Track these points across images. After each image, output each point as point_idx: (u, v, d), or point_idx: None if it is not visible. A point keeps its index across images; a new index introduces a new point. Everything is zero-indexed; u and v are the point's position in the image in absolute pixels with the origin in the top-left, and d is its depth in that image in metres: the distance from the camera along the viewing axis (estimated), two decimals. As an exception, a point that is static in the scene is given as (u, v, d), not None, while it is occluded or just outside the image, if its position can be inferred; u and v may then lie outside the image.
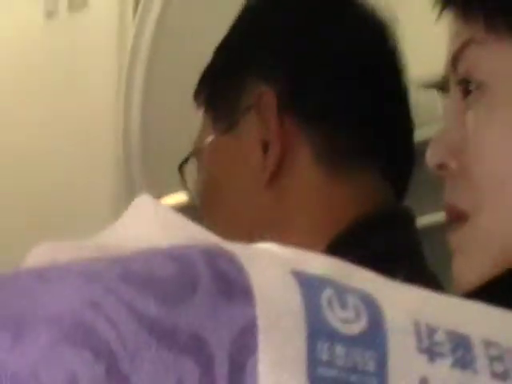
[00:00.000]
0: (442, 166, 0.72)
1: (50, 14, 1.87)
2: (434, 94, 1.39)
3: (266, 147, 1.01)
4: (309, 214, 1.02)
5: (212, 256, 0.45)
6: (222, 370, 0.41)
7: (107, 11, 1.83)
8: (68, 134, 1.81)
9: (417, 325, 0.45)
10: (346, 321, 0.44)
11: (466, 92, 0.71)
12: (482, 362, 0.45)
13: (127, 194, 1.69)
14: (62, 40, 1.83)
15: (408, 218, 1.09)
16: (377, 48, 1.10)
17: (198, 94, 1.10)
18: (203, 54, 1.06)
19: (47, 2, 1.86)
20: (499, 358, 0.45)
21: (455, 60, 0.72)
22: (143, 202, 0.48)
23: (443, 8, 0.74)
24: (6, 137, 1.80)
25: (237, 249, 0.45)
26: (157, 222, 0.48)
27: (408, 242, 1.08)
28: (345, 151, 1.03)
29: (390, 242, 1.04)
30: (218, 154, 1.06)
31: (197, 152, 1.08)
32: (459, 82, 0.72)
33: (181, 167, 1.09)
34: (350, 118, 1.05)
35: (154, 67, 1.76)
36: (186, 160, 1.09)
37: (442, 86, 0.82)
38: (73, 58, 1.79)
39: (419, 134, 1.06)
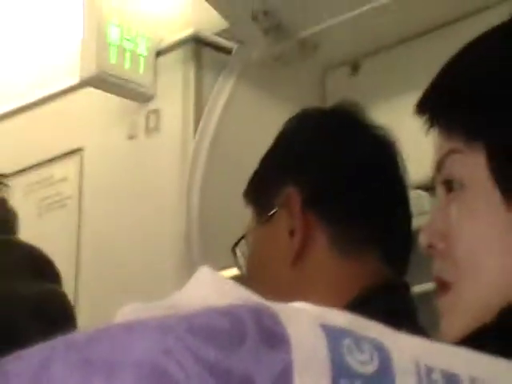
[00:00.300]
0: (430, 247, 0.86)
1: (131, 137, 2.34)
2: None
3: (292, 234, 1.22)
4: (325, 285, 1.22)
5: (257, 312, 0.51)
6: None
7: (174, 133, 2.32)
8: (142, 222, 2.29)
9: (417, 366, 0.51)
10: (363, 363, 0.50)
11: (449, 189, 0.85)
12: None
13: (189, 268, 2.11)
14: (141, 156, 2.34)
15: (405, 287, 1.30)
16: (385, 161, 1.32)
17: (246, 194, 1.33)
18: (253, 160, 1.31)
19: (129, 127, 2.33)
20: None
21: (439, 166, 0.86)
22: (203, 272, 0.55)
23: (430, 127, 0.89)
24: (100, 227, 2.29)
25: (277, 307, 0.51)
26: (213, 287, 0.54)
27: (404, 305, 1.29)
28: (354, 240, 1.24)
29: (390, 304, 1.24)
30: (259, 240, 1.29)
31: (245, 237, 1.30)
32: (443, 182, 0.86)
33: (234, 247, 1.33)
34: (360, 216, 1.26)
35: (211, 170, 2.28)
36: (237, 242, 1.32)
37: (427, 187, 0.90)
38: (148, 169, 2.33)
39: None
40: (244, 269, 1.33)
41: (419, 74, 1.83)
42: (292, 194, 1.27)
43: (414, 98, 0.90)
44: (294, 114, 1.38)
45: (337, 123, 1.38)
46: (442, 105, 0.94)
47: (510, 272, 0.89)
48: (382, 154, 1.35)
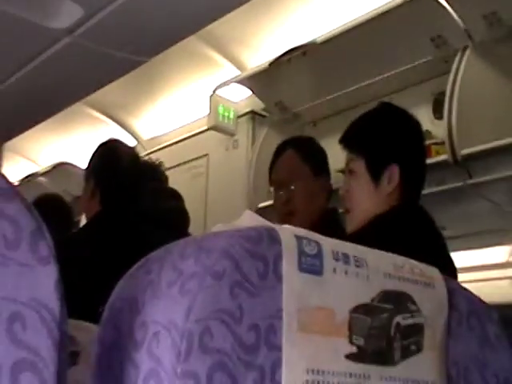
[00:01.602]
0: (343, 198, 1.51)
1: (227, 149, 3.55)
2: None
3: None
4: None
5: (267, 228, 0.73)
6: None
7: (243, 150, 3.47)
8: (229, 190, 3.47)
9: (333, 252, 0.75)
10: (310, 250, 0.74)
11: (350, 174, 1.48)
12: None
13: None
14: (230, 158, 3.53)
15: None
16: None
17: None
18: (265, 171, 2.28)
19: (226, 146, 3.57)
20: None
21: (347, 164, 1.49)
22: (248, 212, 0.79)
23: (344, 148, 1.57)
24: (214, 189, 3.62)
25: (277, 226, 0.73)
26: (251, 219, 0.78)
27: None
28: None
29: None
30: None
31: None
32: (348, 171, 1.51)
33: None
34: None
35: (257, 166, 3.27)
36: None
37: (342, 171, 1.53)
38: (232, 162, 3.51)
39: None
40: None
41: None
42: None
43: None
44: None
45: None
46: (346, 140, 1.58)
47: (370, 209, 1.48)
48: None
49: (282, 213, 2.08)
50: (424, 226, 1.48)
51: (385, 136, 1.56)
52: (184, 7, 2.15)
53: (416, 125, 1.62)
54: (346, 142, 1.60)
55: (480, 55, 2.55)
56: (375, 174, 1.53)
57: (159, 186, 2.60)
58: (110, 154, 2.29)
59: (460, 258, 2.33)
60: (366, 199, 1.52)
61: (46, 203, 2.88)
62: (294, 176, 2.08)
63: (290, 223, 0.78)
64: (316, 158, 2.10)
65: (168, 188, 2.62)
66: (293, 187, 2.06)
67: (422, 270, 0.84)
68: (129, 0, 2.06)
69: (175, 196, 2.52)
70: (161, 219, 2.30)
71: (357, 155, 1.56)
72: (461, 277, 1.50)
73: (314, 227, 1.62)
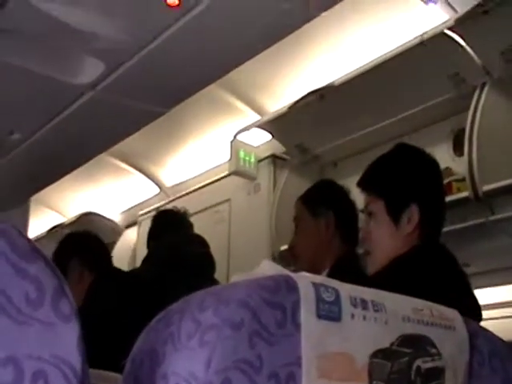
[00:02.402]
0: (363, 240, 1.54)
1: (249, 194, 3.53)
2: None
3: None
4: None
5: (285, 277, 0.75)
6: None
7: (265, 194, 3.44)
8: (253, 237, 3.40)
9: (351, 297, 0.75)
10: (328, 296, 0.75)
11: (369, 216, 1.50)
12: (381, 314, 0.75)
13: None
14: (252, 202, 3.51)
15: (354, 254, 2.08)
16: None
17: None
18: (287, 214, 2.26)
19: (248, 191, 3.55)
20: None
21: (366, 206, 1.52)
22: (266, 262, 0.80)
23: (362, 191, 1.59)
24: (236, 235, 3.55)
25: (294, 275, 0.75)
26: (269, 267, 0.79)
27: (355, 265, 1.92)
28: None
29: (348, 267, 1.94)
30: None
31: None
32: (367, 213, 1.53)
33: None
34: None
35: (279, 210, 3.28)
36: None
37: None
38: (255, 207, 3.47)
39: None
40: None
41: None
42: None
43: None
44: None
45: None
46: (364, 182, 1.59)
47: (390, 250, 1.48)
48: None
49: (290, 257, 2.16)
50: (445, 266, 1.46)
51: (402, 176, 1.57)
52: (203, 57, 2.19)
53: (432, 163, 1.61)
54: (364, 184, 1.62)
55: (498, 91, 2.55)
56: (395, 215, 1.53)
57: (186, 233, 2.64)
58: None
59: (485, 295, 2.32)
60: (386, 240, 1.52)
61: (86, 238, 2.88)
62: (297, 220, 2.17)
63: (295, 266, 0.81)
64: (316, 198, 2.15)
65: (194, 235, 2.65)
66: (296, 231, 2.15)
67: (442, 313, 0.85)
68: (149, 53, 2.11)
69: (202, 243, 2.55)
70: (189, 266, 2.32)
71: (375, 197, 1.57)
72: (486, 314, 1.49)
73: (332, 270, 1.66)
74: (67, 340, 0.56)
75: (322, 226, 2.08)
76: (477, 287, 1.63)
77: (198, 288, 0.74)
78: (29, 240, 0.60)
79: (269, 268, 0.78)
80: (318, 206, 2.12)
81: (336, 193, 2.20)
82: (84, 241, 2.75)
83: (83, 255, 2.66)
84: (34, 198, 3.51)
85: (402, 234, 1.48)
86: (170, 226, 2.66)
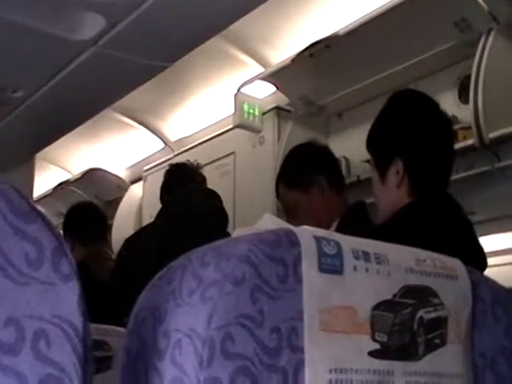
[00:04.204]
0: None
1: (253, 146, 3.54)
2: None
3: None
4: None
5: (286, 230, 0.73)
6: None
7: (269, 146, 3.43)
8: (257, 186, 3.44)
9: (353, 250, 0.75)
10: (330, 250, 0.74)
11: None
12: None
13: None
14: (256, 154, 3.53)
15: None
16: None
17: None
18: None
19: (252, 143, 3.54)
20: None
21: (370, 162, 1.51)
22: (267, 216, 0.80)
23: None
24: (241, 186, 3.60)
25: (295, 228, 0.74)
26: (271, 221, 0.79)
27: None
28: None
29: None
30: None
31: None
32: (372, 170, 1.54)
33: None
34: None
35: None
36: None
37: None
38: (259, 159, 3.48)
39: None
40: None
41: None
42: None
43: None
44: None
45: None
46: (367, 143, 1.57)
47: (387, 205, 1.48)
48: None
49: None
50: (450, 216, 1.44)
51: (384, 131, 1.52)
52: (205, 9, 2.15)
53: (427, 111, 1.53)
54: (366, 145, 1.62)
55: (505, 37, 2.51)
56: (381, 171, 1.48)
57: (199, 187, 2.64)
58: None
59: (490, 242, 2.32)
60: (382, 196, 1.51)
61: (80, 211, 2.95)
62: (291, 205, 2.08)
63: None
64: (299, 174, 2.06)
65: (208, 189, 2.65)
66: (294, 216, 2.06)
67: (445, 263, 0.84)
68: (149, 7, 2.07)
69: (215, 196, 2.55)
70: (203, 220, 2.33)
71: (371, 155, 1.57)
72: (491, 260, 1.48)
73: (341, 221, 1.62)
74: (68, 299, 0.56)
75: (317, 195, 2.01)
76: (482, 235, 1.62)
77: (211, 242, 0.74)
78: (27, 200, 0.60)
79: (270, 222, 0.78)
80: (306, 181, 2.03)
81: (313, 156, 2.12)
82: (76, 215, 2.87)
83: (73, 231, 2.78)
84: (39, 155, 3.51)
85: (391, 190, 1.45)
86: (183, 180, 2.66)
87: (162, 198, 2.69)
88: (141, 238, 2.44)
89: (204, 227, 2.26)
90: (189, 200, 2.44)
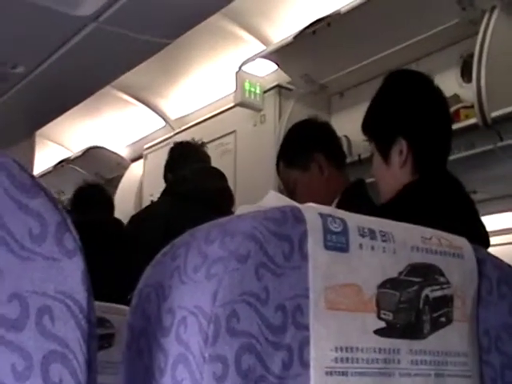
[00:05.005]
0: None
1: (255, 125, 3.49)
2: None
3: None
4: None
5: (292, 208, 0.72)
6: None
7: (270, 125, 3.40)
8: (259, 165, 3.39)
9: (359, 227, 0.74)
10: (335, 227, 0.73)
11: (372, 154, 1.54)
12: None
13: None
14: (258, 132, 3.48)
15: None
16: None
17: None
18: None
19: (254, 122, 3.51)
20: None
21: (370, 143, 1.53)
22: (272, 193, 0.78)
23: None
24: (242, 165, 3.58)
25: (300, 205, 0.73)
26: (276, 199, 0.77)
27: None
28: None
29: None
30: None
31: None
32: (371, 151, 1.54)
33: None
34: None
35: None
36: None
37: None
38: (260, 137, 3.45)
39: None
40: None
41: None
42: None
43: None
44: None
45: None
46: (362, 127, 1.57)
47: (389, 182, 1.47)
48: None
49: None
50: (452, 194, 1.43)
51: (386, 112, 1.50)
52: (206, -15, 2.14)
53: (425, 89, 1.52)
54: (362, 129, 1.59)
55: (508, 15, 2.49)
56: (384, 153, 1.46)
57: (204, 166, 2.63)
58: None
59: (492, 221, 2.31)
60: (384, 179, 1.49)
61: (86, 193, 2.94)
62: (292, 184, 2.07)
63: None
64: (297, 153, 2.05)
65: (213, 168, 2.64)
66: (295, 194, 2.06)
67: (450, 241, 0.83)
68: (150, -17, 2.06)
69: (220, 176, 2.54)
70: (207, 199, 2.32)
71: (369, 138, 1.54)
72: (494, 240, 1.47)
73: (341, 199, 1.61)
74: (72, 275, 0.55)
75: (316, 172, 2.01)
76: (484, 214, 1.61)
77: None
78: (30, 174, 0.59)
79: (275, 199, 0.77)
80: (304, 158, 2.02)
81: (311, 134, 2.11)
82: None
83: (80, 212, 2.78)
84: (39, 133, 3.50)
85: (395, 170, 1.44)
86: (188, 159, 2.66)
87: (165, 177, 2.68)
88: (146, 216, 2.44)
89: (210, 206, 2.26)
90: (196, 179, 2.44)
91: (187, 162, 2.60)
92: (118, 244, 2.43)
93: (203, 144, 2.82)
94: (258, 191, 2.72)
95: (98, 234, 2.39)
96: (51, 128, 3.91)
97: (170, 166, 2.69)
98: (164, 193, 2.52)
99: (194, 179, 2.44)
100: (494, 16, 2.46)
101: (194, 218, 0.84)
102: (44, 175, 4.72)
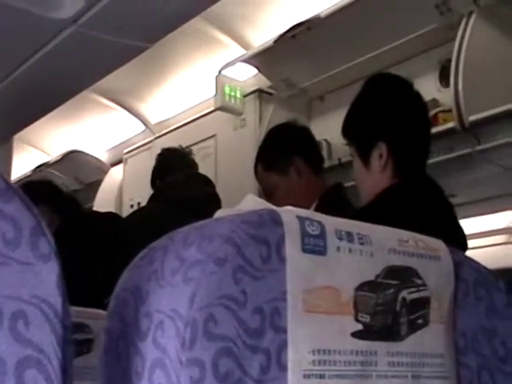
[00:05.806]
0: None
1: (235, 129, 3.49)
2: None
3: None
4: None
5: (270, 211, 0.72)
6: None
7: (251, 129, 3.38)
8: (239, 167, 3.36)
9: (336, 230, 0.74)
10: (313, 230, 0.73)
11: (352, 157, 1.53)
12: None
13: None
14: (237, 136, 3.48)
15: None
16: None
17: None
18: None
19: (234, 126, 3.49)
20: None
21: (349, 146, 1.55)
22: (250, 196, 0.78)
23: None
24: (223, 167, 3.57)
25: (278, 208, 0.73)
26: (253, 202, 0.77)
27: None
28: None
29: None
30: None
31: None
32: (350, 155, 1.56)
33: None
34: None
35: None
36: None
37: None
38: (240, 141, 3.43)
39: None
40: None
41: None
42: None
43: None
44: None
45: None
46: (342, 131, 1.57)
47: (370, 186, 1.48)
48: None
49: None
50: (431, 198, 1.44)
51: (365, 117, 1.52)
52: (185, -11, 2.14)
53: (405, 94, 1.54)
54: (342, 132, 1.59)
55: (486, 19, 2.51)
56: (364, 157, 1.47)
57: (191, 172, 2.63)
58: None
59: (471, 225, 2.33)
60: (364, 183, 1.49)
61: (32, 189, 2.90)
62: (271, 188, 2.09)
63: None
64: (276, 157, 2.07)
65: (200, 174, 2.64)
66: (273, 198, 2.06)
67: (427, 243, 0.83)
68: (130, -14, 2.05)
69: (207, 181, 2.54)
70: (196, 205, 2.32)
71: (350, 142, 1.54)
72: (472, 243, 1.48)
73: (319, 203, 1.62)
74: (47, 279, 0.55)
75: (294, 176, 2.02)
76: (463, 217, 1.63)
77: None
78: (4, 178, 0.58)
79: (253, 203, 0.77)
80: (283, 162, 2.03)
81: (289, 137, 2.11)
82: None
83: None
84: (17, 137, 3.46)
85: (375, 174, 1.45)
86: (174, 165, 2.67)
87: (153, 183, 2.67)
88: (135, 220, 2.42)
89: (199, 212, 2.24)
90: (187, 185, 2.44)
91: (176, 169, 2.61)
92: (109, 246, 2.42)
93: (191, 151, 2.83)
94: (238, 195, 2.73)
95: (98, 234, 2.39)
96: (30, 132, 3.88)
97: (159, 172, 2.68)
98: (152, 198, 2.51)
99: (186, 186, 2.44)
100: (472, 21, 2.48)
101: (183, 223, 0.84)
102: (22, 180, 4.68)
